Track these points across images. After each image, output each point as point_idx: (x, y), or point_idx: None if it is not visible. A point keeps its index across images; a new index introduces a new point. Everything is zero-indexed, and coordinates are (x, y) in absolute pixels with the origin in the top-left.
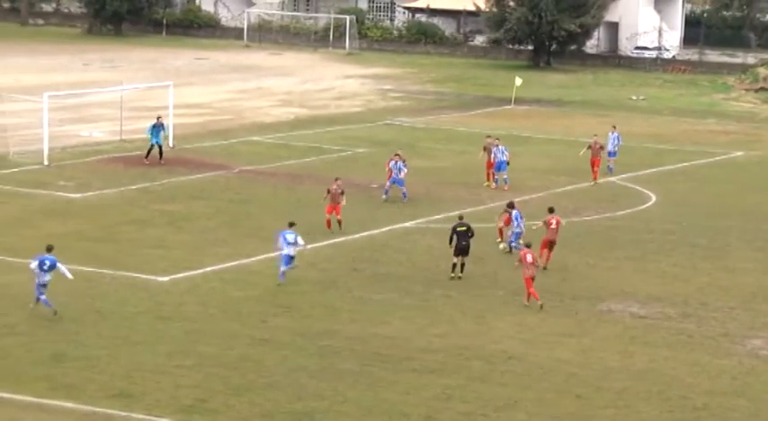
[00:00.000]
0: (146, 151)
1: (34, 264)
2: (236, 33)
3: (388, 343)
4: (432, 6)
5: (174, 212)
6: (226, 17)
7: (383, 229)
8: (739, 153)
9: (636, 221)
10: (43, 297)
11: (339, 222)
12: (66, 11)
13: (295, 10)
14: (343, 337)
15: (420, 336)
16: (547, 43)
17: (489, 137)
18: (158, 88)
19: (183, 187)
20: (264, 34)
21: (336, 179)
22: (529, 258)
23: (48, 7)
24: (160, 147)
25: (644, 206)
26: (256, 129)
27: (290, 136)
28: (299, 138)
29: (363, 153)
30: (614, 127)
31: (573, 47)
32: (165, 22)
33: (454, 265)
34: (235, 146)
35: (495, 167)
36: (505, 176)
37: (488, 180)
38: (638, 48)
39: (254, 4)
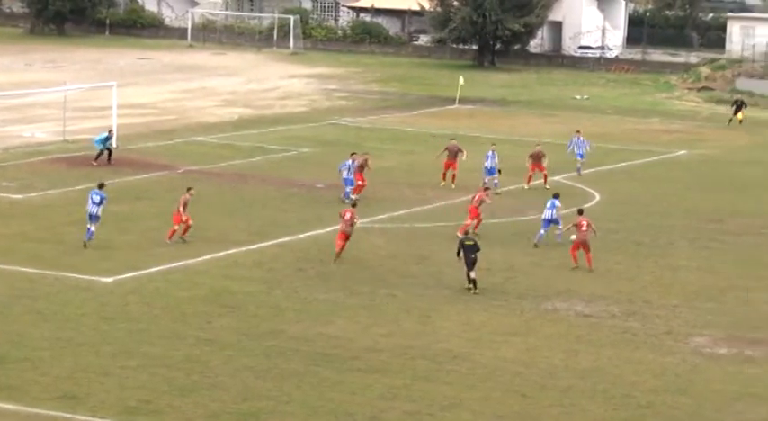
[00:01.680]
0: (95, 155)
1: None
2: (179, 33)
3: (334, 342)
4: (376, 6)
5: (119, 213)
6: (169, 17)
7: (328, 229)
8: (682, 152)
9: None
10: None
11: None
12: (8, 11)
13: (239, 10)
14: (289, 337)
15: (365, 336)
16: (491, 43)
17: (453, 140)
18: (102, 88)
19: (128, 188)
20: (208, 34)
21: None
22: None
23: None
24: (109, 150)
25: (588, 205)
26: (201, 130)
27: (234, 136)
28: (244, 138)
29: (308, 153)
30: (578, 131)
31: (517, 46)
32: (108, 22)
33: (468, 278)
34: (179, 146)
35: (487, 172)
36: (496, 181)
37: (444, 179)
38: (581, 47)
39: (197, 4)
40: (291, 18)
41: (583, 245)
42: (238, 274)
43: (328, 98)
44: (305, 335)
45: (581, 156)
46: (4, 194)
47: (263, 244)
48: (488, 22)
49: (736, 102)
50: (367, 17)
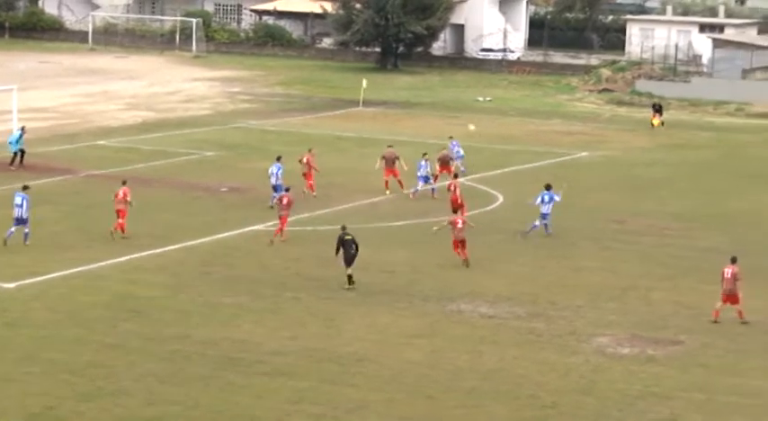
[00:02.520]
0: (10, 160)
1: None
2: (81, 36)
3: (239, 346)
4: (279, 9)
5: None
6: (70, 20)
7: (233, 232)
8: (584, 153)
9: (486, 221)
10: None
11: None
12: None
13: (141, 12)
14: (194, 342)
15: (271, 340)
16: (394, 45)
17: (390, 146)
18: (2, 92)
19: (31, 192)
20: (110, 37)
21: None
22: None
23: None
24: (23, 151)
25: (491, 207)
26: (103, 134)
27: (137, 139)
28: (147, 141)
29: (212, 156)
30: (451, 137)
31: (420, 49)
32: (7, 25)
33: (349, 277)
34: (81, 150)
35: (422, 180)
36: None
37: (387, 188)
38: (483, 49)
39: (98, 7)
40: (194, 21)
41: (461, 242)
42: (142, 279)
43: (232, 101)
44: (210, 339)
45: (461, 157)
46: None
47: (167, 248)
48: (391, 25)
49: (654, 105)
50: (270, 20)
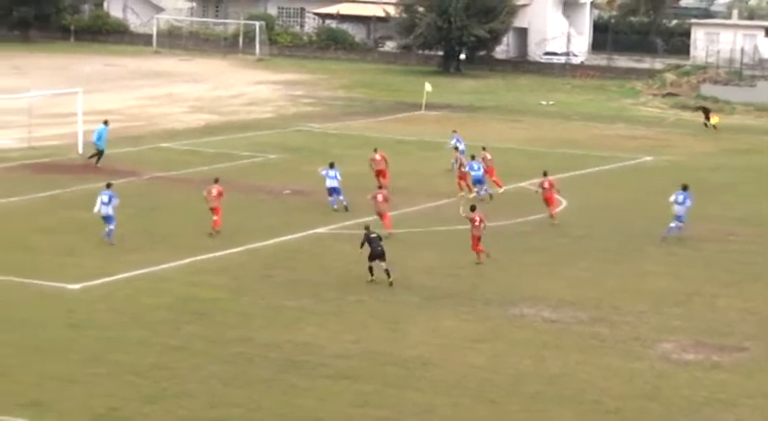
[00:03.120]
0: (95, 157)
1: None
2: (145, 39)
3: (302, 349)
4: (342, 12)
5: (85, 219)
6: (134, 23)
7: (296, 235)
8: (648, 158)
9: (547, 226)
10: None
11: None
12: None
13: (204, 16)
14: (257, 344)
15: (334, 343)
16: (456, 49)
17: (376, 150)
18: (67, 95)
19: (93, 194)
20: (174, 40)
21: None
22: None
23: None
24: (102, 152)
25: (557, 210)
26: (167, 136)
27: (200, 142)
28: (210, 144)
29: (275, 159)
30: (455, 131)
31: (482, 52)
32: (73, 28)
33: (371, 269)
34: (145, 152)
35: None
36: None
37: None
38: (546, 53)
39: (163, 11)
40: (257, 24)
41: (477, 239)
42: (205, 281)
43: (294, 104)
44: (273, 342)
45: (464, 152)
46: None
47: (229, 250)
48: (454, 28)
49: (701, 108)
50: (333, 23)
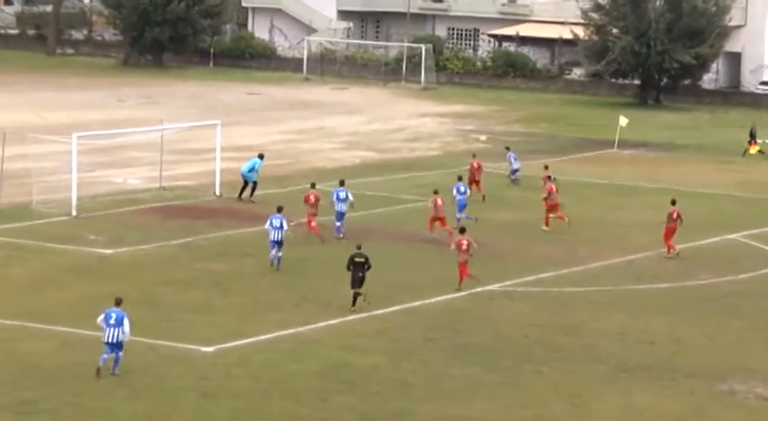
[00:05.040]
0: (248, 191)
1: (100, 318)
2: (294, 64)
3: None
4: (522, 34)
5: (221, 272)
6: (282, 46)
7: (464, 293)
8: None
9: (761, 286)
10: (106, 355)
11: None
12: (99, 38)
13: (363, 38)
14: (418, 418)
15: (507, 418)
16: (656, 77)
17: (474, 156)
18: (204, 128)
19: (231, 243)
20: (327, 66)
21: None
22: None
23: (78, 35)
24: (255, 183)
25: None
26: (317, 176)
27: (355, 183)
28: (367, 186)
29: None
30: (508, 148)
31: (687, 81)
32: (212, 51)
33: (355, 297)
34: (292, 194)
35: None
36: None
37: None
38: (763, 83)
39: (315, 31)
40: (423, 47)
41: (464, 264)
42: (358, 345)
43: (465, 140)
44: (437, 416)
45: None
46: (92, 249)
47: (387, 309)
48: (653, 53)
49: (750, 131)
50: (511, 47)
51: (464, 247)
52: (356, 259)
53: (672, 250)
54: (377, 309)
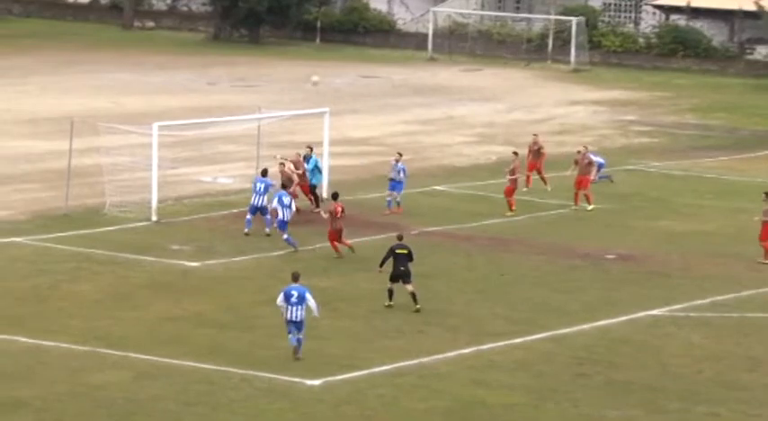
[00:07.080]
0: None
1: (280, 299)
2: (417, 41)
3: None
4: (693, 4)
5: (329, 289)
6: (403, 19)
7: (621, 318)
8: None
9: None
10: (292, 335)
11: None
12: (184, 9)
13: (500, 9)
14: None
15: None
16: None
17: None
18: (309, 117)
19: (346, 255)
20: (456, 42)
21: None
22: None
23: (160, 4)
24: (314, 188)
25: None
26: (444, 175)
27: (490, 185)
28: (503, 187)
29: (594, 210)
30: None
31: None
32: (319, 24)
33: (390, 292)
34: (414, 198)
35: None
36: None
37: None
38: None
39: (443, 1)
40: (573, 21)
41: (338, 231)
42: (495, 380)
43: (624, 134)
44: None
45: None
46: (176, 261)
47: (528, 337)
48: None
49: None
50: (681, 20)
51: (338, 214)
52: (398, 251)
53: None
54: (516, 337)
